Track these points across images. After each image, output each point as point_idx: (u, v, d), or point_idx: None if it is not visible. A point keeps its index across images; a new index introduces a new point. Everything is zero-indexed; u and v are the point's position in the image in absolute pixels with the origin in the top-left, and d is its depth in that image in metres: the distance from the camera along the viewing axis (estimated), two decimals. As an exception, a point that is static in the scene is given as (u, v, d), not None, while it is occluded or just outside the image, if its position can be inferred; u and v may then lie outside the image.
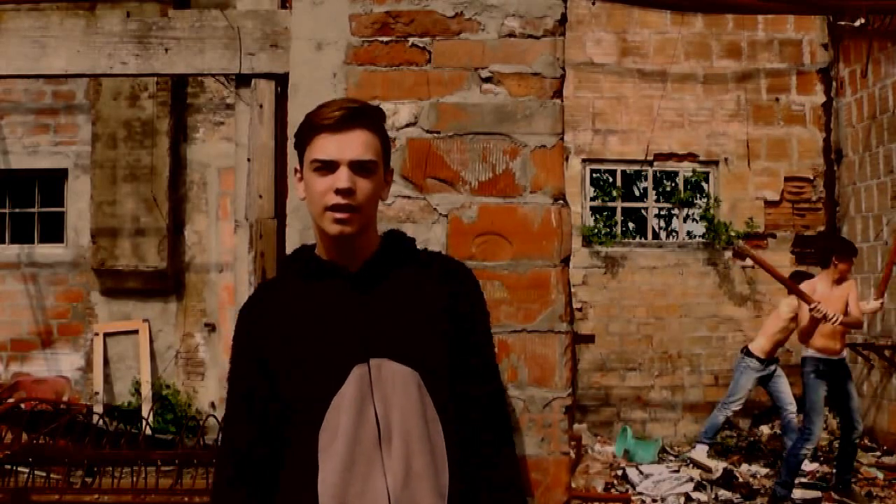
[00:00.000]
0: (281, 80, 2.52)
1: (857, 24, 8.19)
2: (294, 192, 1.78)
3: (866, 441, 8.31)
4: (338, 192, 1.63)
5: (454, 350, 1.71)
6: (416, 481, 1.61)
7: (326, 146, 1.65)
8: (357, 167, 1.65)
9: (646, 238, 9.73)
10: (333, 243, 1.69)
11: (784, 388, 6.99)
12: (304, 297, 1.71)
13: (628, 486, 7.02)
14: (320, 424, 1.62)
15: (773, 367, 7.04)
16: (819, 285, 6.18)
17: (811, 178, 9.21)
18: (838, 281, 6.15)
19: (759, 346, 7.01)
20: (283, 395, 1.67)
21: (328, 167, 1.65)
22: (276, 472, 1.70)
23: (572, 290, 2.42)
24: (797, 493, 6.44)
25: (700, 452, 7.08)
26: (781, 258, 9.15)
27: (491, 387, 1.79)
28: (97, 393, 8.35)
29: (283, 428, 1.68)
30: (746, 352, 7.07)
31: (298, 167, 1.75)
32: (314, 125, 1.68)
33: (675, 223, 9.99)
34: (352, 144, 1.65)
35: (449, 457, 1.66)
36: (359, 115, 1.67)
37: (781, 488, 6.22)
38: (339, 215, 1.63)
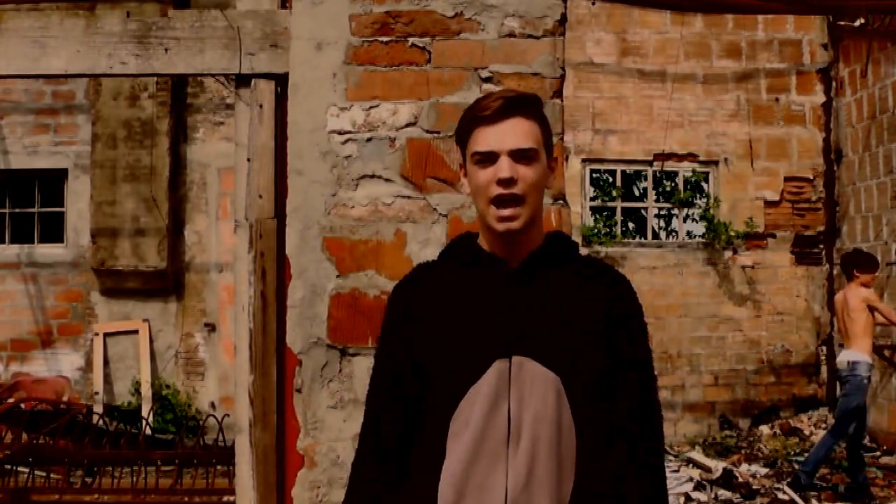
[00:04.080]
0: (281, 80, 2.52)
1: (856, 24, 8.20)
2: (461, 188, 1.77)
3: (866, 441, 8.31)
4: (500, 182, 1.62)
5: (607, 360, 1.66)
6: (537, 486, 1.59)
7: (486, 138, 1.65)
8: (518, 156, 1.64)
9: (646, 238, 9.73)
10: (499, 238, 1.68)
11: None
12: (459, 284, 1.71)
13: (628, 486, 7.01)
14: (453, 413, 1.63)
15: None
16: (847, 293, 6.54)
17: (811, 178, 9.21)
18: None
19: None
20: (424, 379, 1.68)
21: (489, 159, 1.64)
22: (410, 455, 1.72)
23: (572, 290, 2.42)
24: (795, 495, 6.45)
25: None
26: (781, 258, 9.16)
27: (647, 404, 1.71)
28: (97, 393, 8.35)
29: (421, 410, 1.69)
30: None
31: (462, 163, 1.74)
32: (472, 118, 1.68)
33: (675, 223, 9.99)
34: (510, 134, 1.64)
35: (578, 467, 1.62)
36: (516, 103, 1.67)
37: (806, 476, 6.46)
38: (504, 212, 1.63)
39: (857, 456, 6.51)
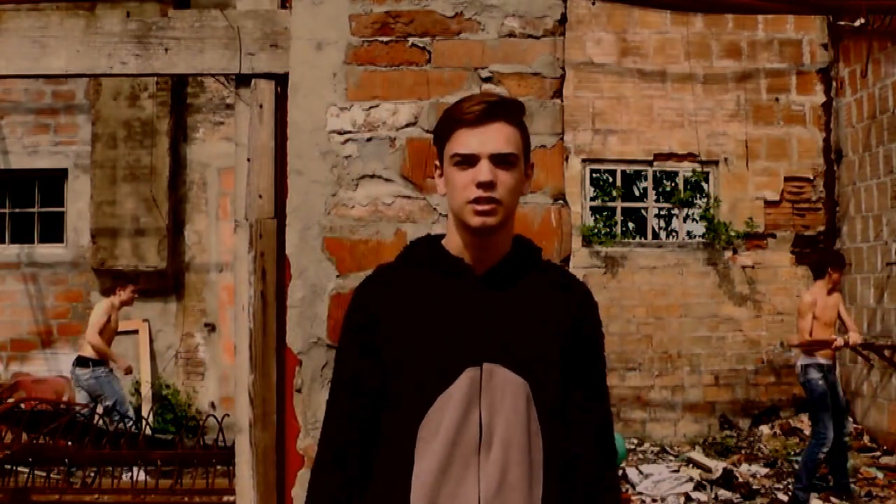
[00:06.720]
0: (281, 80, 2.52)
1: (856, 24, 8.20)
2: (438, 189, 1.75)
3: (866, 441, 8.31)
4: (479, 185, 1.62)
5: (569, 367, 1.69)
6: (509, 492, 1.59)
7: (467, 140, 1.64)
8: (498, 160, 1.63)
9: (646, 238, 9.73)
10: (471, 237, 1.67)
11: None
12: (425, 288, 1.69)
13: (628, 486, 7.02)
14: (421, 420, 1.61)
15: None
16: (818, 295, 6.66)
17: (811, 178, 9.21)
18: (830, 291, 6.66)
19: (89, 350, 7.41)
20: (389, 385, 1.66)
21: (469, 161, 1.63)
22: (373, 460, 1.69)
23: (572, 290, 2.42)
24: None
25: None
26: (781, 258, 9.16)
27: (601, 409, 1.77)
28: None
29: (385, 417, 1.67)
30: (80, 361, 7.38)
31: (438, 163, 1.73)
32: (454, 119, 1.66)
33: (675, 223, 9.99)
34: (492, 138, 1.64)
35: (545, 471, 1.64)
36: (499, 108, 1.66)
37: (802, 493, 6.38)
38: (481, 207, 1.62)
39: (840, 456, 6.53)
